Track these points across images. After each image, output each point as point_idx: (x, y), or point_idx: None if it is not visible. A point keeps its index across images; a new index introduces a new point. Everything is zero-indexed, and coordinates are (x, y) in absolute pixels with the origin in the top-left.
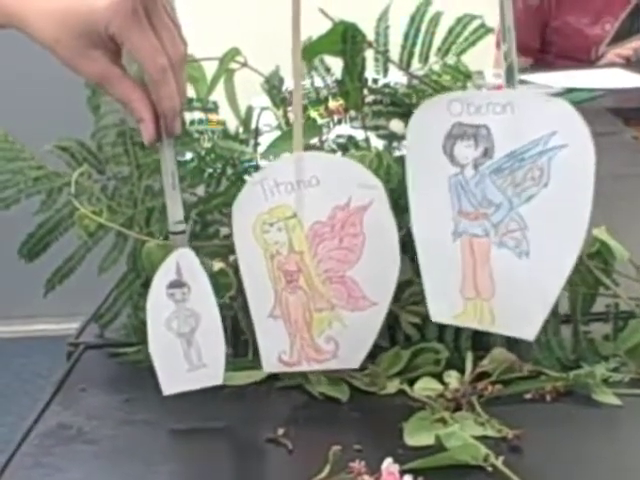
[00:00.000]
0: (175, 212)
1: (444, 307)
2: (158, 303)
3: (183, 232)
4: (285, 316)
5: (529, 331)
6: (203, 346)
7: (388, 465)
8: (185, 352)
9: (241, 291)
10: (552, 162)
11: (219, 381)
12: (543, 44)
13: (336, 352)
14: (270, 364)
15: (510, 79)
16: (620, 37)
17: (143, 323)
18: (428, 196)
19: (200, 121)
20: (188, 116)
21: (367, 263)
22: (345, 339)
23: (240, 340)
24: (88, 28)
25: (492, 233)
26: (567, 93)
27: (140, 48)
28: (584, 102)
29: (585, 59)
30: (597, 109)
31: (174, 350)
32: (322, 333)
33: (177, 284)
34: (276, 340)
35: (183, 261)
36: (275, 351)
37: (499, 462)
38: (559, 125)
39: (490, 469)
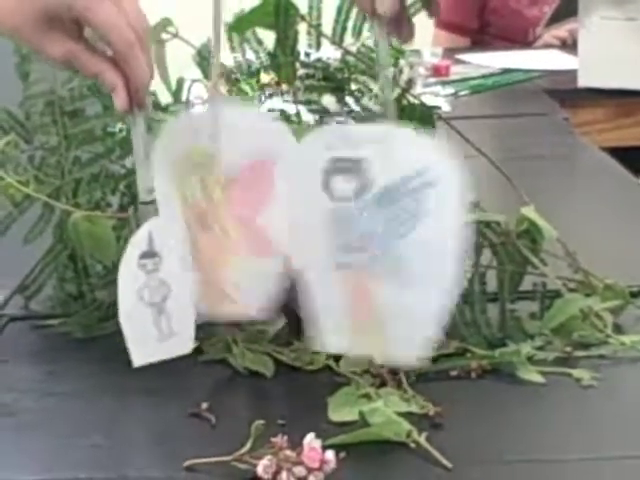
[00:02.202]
0: (146, 181)
1: (334, 339)
2: (130, 274)
3: (154, 201)
4: (196, 262)
5: (415, 358)
6: (173, 315)
7: (310, 440)
8: (155, 320)
9: None
10: (425, 197)
11: (188, 349)
12: (481, 25)
13: (238, 297)
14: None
15: (388, 113)
16: (557, 19)
17: (69, 295)
18: (308, 232)
19: None
20: None
21: (276, 211)
22: (247, 285)
23: None
24: (48, 12)
25: (375, 266)
26: (504, 73)
27: (106, 25)
28: (520, 83)
29: (523, 40)
30: (533, 90)
31: (144, 320)
32: (228, 278)
33: (149, 254)
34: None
35: (154, 230)
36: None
37: (422, 438)
38: (431, 161)
39: (413, 445)
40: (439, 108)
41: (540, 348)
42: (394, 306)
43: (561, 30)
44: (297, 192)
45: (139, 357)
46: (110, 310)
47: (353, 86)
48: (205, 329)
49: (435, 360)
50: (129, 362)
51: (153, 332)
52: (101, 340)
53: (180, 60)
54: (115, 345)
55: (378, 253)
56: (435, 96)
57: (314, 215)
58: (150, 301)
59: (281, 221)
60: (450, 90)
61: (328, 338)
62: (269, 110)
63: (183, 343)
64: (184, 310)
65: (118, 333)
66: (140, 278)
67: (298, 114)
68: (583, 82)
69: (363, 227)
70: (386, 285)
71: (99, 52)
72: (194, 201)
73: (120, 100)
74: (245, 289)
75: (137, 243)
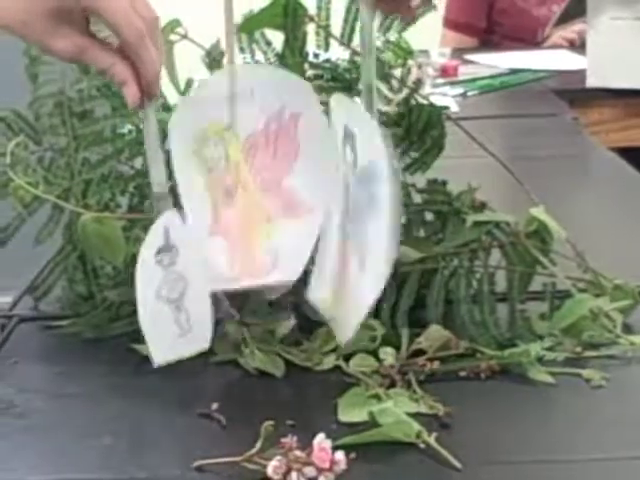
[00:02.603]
0: (159, 174)
1: (317, 295)
2: (148, 272)
3: (167, 194)
4: (224, 232)
5: (346, 337)
6: (191, 310)
7: (320, 441)
8: (175, 318)
9: None
10: (380, 189)
11: (206, 345)
12: (489, 24)
13: (275, 264)
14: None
15: (367, 99)
16: (565, 19)
17: (78, 296)
18: (330, 187)
19: None
20: None
21: (303, 168)
22: (284, 249)
23: None
24: (57, 5)
25: (353, 240)
26: (512, 74)
27: (115, 15)
28: (529, 83)
29: (531, 40)
30: (542, 90)
31: (164, 318)
32: (261, 245)
33: (165, 249)
34: (216, 258)
35: (170, 224)
36: (215, 269)
37: (432, 439)
38: (382, 156)
39: (422, 446)
40: (447, 108)
41: (550, 348)
42: (351, 284)
43: (568, 32)
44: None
45: (160, 356)
46: (120, 311)
47: (361, 86)
48: (215, 330)
49: (444, 360)
50: (139, 363)
51: (174, 329)
52: (111, 341)
53: (189, 61)
54: (125, 346)
55: (356, 229)
56: (443, 96)
57: (335, 175)
58: (169, 297)
59: (309, 178)
60: (458, 90)
61: (314, 293)
62: None
63: (201, 337)
64: (202, 305)
65: (128, 334)
66: (158, 275)
67: None
68: (592, 82)
69: (355, 200)
70: (352, 262)
71: (108, 46)
72: (218, 175)
73: (131, 93)
74: (283, 254)
75: (152, 240)
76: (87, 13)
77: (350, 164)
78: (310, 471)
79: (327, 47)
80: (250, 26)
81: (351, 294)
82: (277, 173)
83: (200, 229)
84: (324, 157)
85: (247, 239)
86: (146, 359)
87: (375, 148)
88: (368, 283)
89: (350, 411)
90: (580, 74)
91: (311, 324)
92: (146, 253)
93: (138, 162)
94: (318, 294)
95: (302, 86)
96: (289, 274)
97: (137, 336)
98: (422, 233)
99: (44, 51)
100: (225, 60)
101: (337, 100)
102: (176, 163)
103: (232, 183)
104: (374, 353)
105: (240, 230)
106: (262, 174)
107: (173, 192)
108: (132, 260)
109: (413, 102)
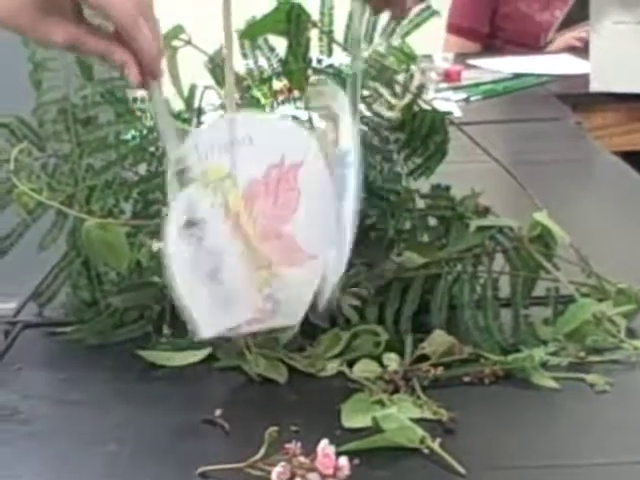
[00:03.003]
0: (174, 151)
1: None
2: (178, 249)
3: (184, 170)
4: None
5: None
6: (227, 283)
7: (324, 446)
8: (212, 292)
9: None
10: (347, 177)
11: (247, 317)
12: (492, 29)
13: (276, 310)
14: (246, 311)
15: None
16: (568, 23)
17: (82, 302)
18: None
19: (142, 99)
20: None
21: (303, 217)
22: (284, 297)
23: (179, 320)
24: None
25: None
26: (515, 78)
27: (105, 1)
28: (532, 87)
29: (534, 45)
30: (545, 95)
31: (202, 293)
32: (261, 293)
33: (191, 223)
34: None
35: (192, 198)
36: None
37: (435, 445)
38: (351, 145)
39: (426, 451)
40: (451, 113)
41: (553, 353)
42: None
43: (581, 31)
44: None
45: (206, 329)
46: (124, 317)
47: (365, 92)
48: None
49: (448, 366)
50: (143, 369)
51: (214, 302)
52: (115, 347)
53: (192, 67)
54: (129, 352)
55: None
56: (446, 101)
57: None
58: (204, 271)
59: (309, 227)
60: (462, 95)
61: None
62: (281, 116)
63: (243, 309)
64: (239, 276)
65: (132, 340)
66: (190, 249)
67: (310, 120)
68: (595, 86)
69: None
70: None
71: (102, 32)
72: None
73: (133, 74)
74: (284, 301)
75: (176, 216)
76: (78, 1)
77: (332, 142)
78: (314, 477)
79: (330, 52)
80: (253, 32)
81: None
82: (277, 221)
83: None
84: (324, 207)
85: (247, 286)
86: (150, 365)
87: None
88: (334, 266)
89: (354, 417)
90: (583, 78)
91: (314, 330)
92: (172, 231)
93: (142, 168)
94: None
95: (302, 135)
96: (290, 319)
97: (141, 342)
98: (426, 238)
99: (39, 43)
100: (225, 99)
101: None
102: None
103: (232, 231)
104: (378, 359)
105: (240, 277)
106: (262, 222)
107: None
108: (136, 266)
109: (416, 108)
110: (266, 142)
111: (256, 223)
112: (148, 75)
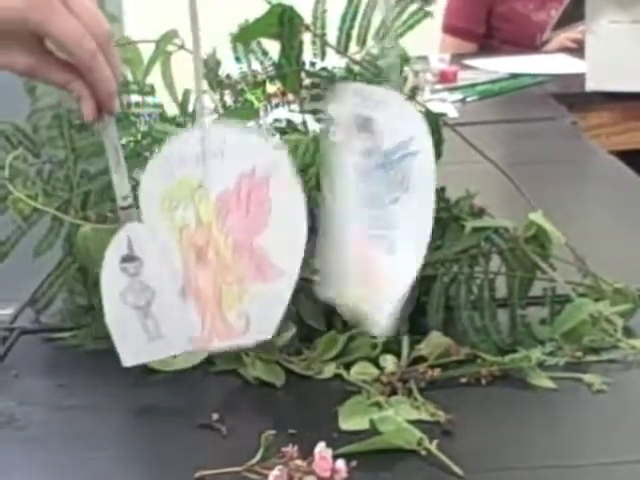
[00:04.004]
0: (122, 187)
1: (337, 289)
2: (112, 277)
3: (131, 206)
4: (195, 294)
5: (381, 326)
6: (160, 319)
7: (321, 449)
8: (142, 324)
9: None
10: (411, 167)
11: (181, 350)
12: (488, 30)
13: (247, 326)
14: (179, 345)
15: (392, 74)
16: (564, 23)
17: (79, 307)
18: (341, 177)
19: (137, 104)
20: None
21: (274, 231)
22: (255, 312)
23: None
24: (3, 28)
25: (374, 226)
26: (511, 78)
27: (64, 36)
28: (528, 87)
29: (530, 45)
30: (541, 95)
31: (131, 323)
32: (232, 308)
33: (129, 258)
34: (186, 319)
35: (133, 235)
36: (185, 330)
37: (433, 446)
38: (415, 129)
39: (424, 453)
40: (445, 115)
41: (550, 353)
42: (377, 271)
43: (575, 32)
44: (335, 142)
45: (129, 358)
46: None
47: None
48: None
49: (445, 367)
50: (140, 374)
51: (141, 334)
52: (111, 352)
53: (186, 72)
54: None
55: (376, 215)
56: (442, 102)
57: (346, 165)
58: (135, 305)
59: (280, 241)
60: (458, 96)
61: (333, 287)
62: (275, 120)
63: (174, 344)
64: (170, 314)
65: None
66: (123, 281)
67: (304, 124)
68: (591, 86)
69: (370, 186)
70: (376, 249)
71: (63, 62)
72: (189, 234)
73: (87, 109)
74: (255, 317)
75: (117, 247)
76: (39, 34)
77: (366, 152)
78: None
79: (323, 56)
80: (246, 36)
81: (380, 282)
82: (248, 234)
83: (169, 288)
84: (294, 221)
85: (218, 301)
86: (147, 371)
87: (408, 123)
88: (401, 266)
89: (351, 419)
90: (579, 78)
91: (311, 333)
92: (109, 259)
93: (137, 174)
94: (336, 292)
95: (273, 148)
96: (263, 334)
97: None
98: None
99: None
100: (196, 114)
101: (343, 91)
102: (145, 220)
103: (203, 243)
104: (375, 361)
105: (211, 292)
106: (234, 235)
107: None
108: None
109: None
110: (237, 154)
111: (228, 236)
112: (104, 110)
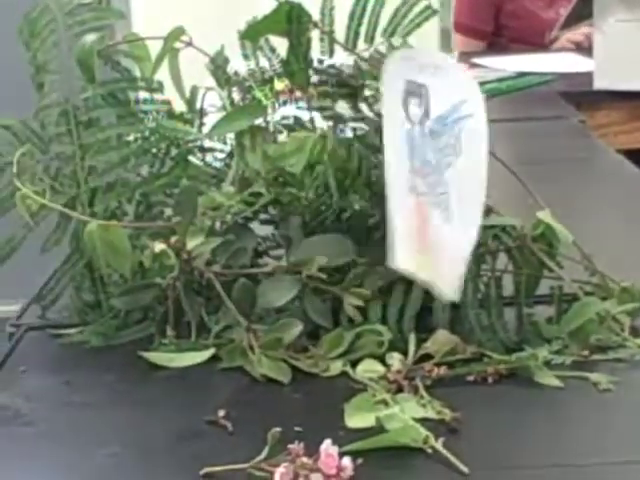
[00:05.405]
0: None
1: (401, 257)
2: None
3: None
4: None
5: (451, 293)
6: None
7: (327, 447)
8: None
9: (182, 272)
10: (463, 131)
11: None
12: (497, 28)
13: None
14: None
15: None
16: (572, 21)
17: (86, 304)
18: (394, 148)
19: (145, 100)
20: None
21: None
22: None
23: (182, 321)
24: None
25: (430, 194)
26: (519, 77)
27: None
28: (536, 86)
29: (539, 43)
30: (549, 93)
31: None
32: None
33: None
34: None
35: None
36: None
37: (439, 444)
38: (467, 93)
39: (430, 451)
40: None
41: (557, 352)
42: (438, 238)
43: (576, 34)
44: (388, 110)
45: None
46: (127, 318)
47: (366, 92)
48: (221, 336)
49: (452, 365)
50: (146, 370)
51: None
52: (118, 349)
53: (194, 68)
54: (132, 353)
55: (432, 182)
56: None
57: (398, 135)
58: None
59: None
60: None
61: (399, 257)
62: (283, 117)
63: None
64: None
65: (135, 342)
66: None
67: (312, 121)
68: (599, 84)
69: (424, 154)
70: (434, 216)
71: None
72: None
73: None
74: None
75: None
76: None
77: (417, 118)
78: (317, 477)
79: (331, 53)
80: (254, 33)
81: (442, 249)
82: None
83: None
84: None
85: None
86: (154, 367)
87: (460, 87)
88: (459, 232)
89: (357, 417)
90: (587, 76)
91: (318, 330)
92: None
93: (144, 170)
94: (401, 261)
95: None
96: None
97: (145, 344)
98: None
99: None
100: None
101: (395, 58)
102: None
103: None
104: (381, 358)
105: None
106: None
107: None
108: (139, 268)
109: None
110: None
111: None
112: None
